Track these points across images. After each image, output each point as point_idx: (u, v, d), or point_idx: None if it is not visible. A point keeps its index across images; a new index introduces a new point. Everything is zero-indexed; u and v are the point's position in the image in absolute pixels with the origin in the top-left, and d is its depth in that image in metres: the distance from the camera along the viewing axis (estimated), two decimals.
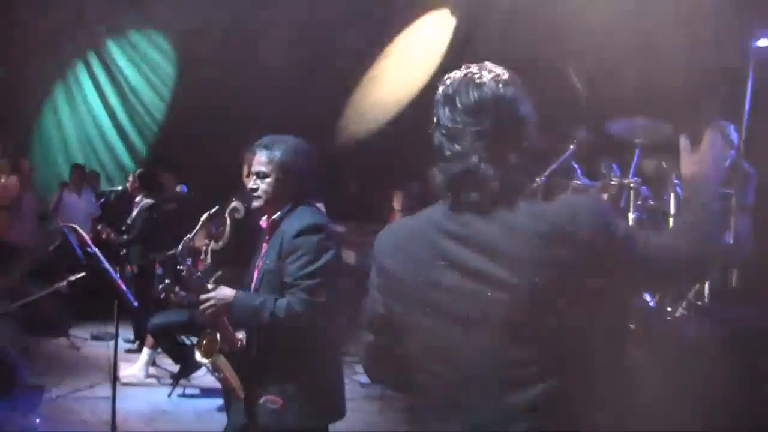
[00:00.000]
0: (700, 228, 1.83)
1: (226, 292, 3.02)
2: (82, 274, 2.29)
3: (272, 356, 2.97)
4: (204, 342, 3.13)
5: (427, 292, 1.82)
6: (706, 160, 1.90)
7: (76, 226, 2.65)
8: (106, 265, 2.42)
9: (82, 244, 2.63)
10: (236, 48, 10.17)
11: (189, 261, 3.30)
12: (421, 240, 1.85)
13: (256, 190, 3.05)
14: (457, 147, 1.79)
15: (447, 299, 1.78)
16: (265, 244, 3.16)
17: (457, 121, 1.80)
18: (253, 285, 3.12)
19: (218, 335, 3.07)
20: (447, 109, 1.82)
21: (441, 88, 1.86)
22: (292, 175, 3.04)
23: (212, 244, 5.01)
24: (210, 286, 3.09)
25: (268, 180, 3.03)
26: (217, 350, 3.06)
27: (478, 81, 1.81)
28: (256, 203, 3.09)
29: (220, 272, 4.00)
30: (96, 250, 2.56)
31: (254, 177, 3.07)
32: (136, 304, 2.42)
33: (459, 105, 1.80)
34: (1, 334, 5.66)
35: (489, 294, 1.73)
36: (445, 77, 1.88)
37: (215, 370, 3.07)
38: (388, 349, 1.98)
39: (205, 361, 3.12)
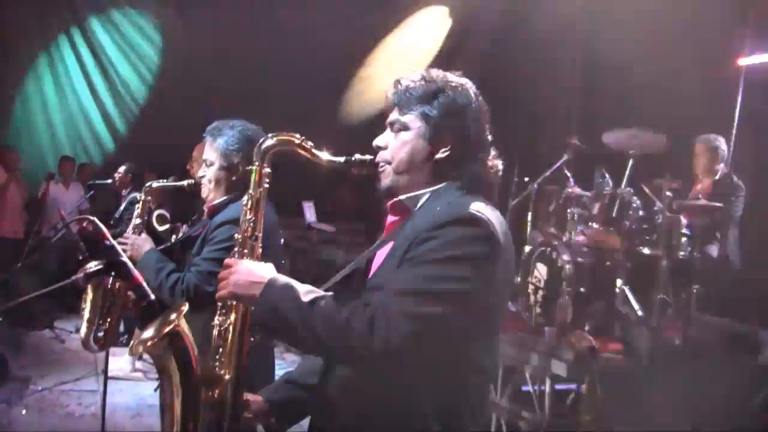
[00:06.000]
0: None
1: (145, 244, 3.01)
2: (100, 267, 2.27)
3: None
4: None
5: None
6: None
7: (94, 219, 2.64)
8: (125, 258, 2.42)
9: (101, 236, 2.62)
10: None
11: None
12: None
13: (202, 178, 3.00)
14: None
15: None
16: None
17: None
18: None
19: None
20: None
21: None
22: (236, 163, 2.94)
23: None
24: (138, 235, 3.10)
25: (213, 168, 2.96)
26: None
27: None
28: (202, 192, 3.03)
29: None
30: (114, 242, 2.56)
31: (204, 164, 3.01)
32: (153, 297, 2.42)
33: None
34: None
35: None
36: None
37: None
38: None
39: None
